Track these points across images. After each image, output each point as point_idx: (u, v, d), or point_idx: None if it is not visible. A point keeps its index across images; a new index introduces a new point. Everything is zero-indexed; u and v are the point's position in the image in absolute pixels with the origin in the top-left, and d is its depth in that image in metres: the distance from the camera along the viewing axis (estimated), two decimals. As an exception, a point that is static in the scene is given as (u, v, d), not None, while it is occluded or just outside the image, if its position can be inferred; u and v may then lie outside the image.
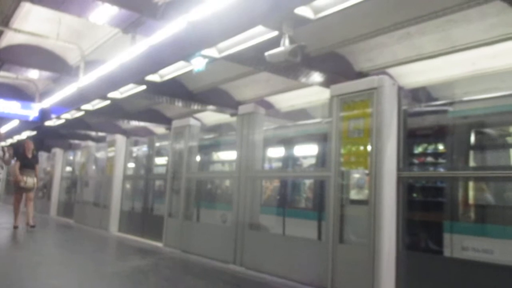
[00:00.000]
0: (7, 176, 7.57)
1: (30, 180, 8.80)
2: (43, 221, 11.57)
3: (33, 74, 16.34)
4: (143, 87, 9.94)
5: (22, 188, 8.83)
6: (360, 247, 4.23)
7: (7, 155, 8.49)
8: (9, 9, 10.63)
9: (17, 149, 9.52)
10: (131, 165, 10.49)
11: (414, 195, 5.99)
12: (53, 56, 14.28)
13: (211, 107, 12.24)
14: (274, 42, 6.27)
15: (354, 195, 4.55)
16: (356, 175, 4.57)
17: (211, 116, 13.97)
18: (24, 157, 8.88)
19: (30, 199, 8.98)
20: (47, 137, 18.47)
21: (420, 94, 9.34)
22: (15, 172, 8.71)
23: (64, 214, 12.68)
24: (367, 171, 4.31)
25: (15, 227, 8.70)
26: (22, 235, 8.21)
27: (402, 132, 4.32)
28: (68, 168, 13.83)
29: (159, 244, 7.49)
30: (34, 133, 17.44)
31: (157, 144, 9.89)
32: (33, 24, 11.53)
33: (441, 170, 5.84)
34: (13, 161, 8.95)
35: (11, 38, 12.80)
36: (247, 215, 5.83)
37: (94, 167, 11.66)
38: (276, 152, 8.79)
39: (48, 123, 15.69)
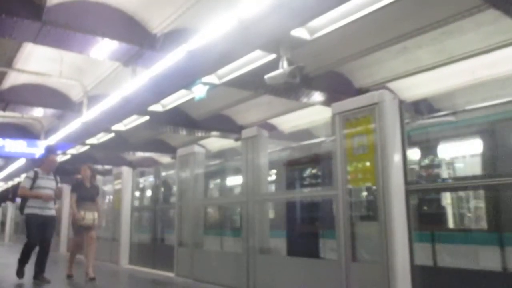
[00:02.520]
0: (24, 209, 6.53)
1: (89, 216, 6.99)
2: (53, 259, 11.49)
3: (38, 112, 16.52)
4: (146, 117, 10.03)
5: (80, 226, 7.04)
6: (374, 265, 4.16)
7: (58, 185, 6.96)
8: (11, 50, 10.85)
9: (72, 178, 8.57)
10: (139, 196, 10.49)
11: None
12: (57, 94, 14.46)
13: (214, 133, 12.29)
14: (273, 65, 6.34)
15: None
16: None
17: (215, 142, 14.02)
18: (81, 187, 7.21)
19: (91, 240, 7.09)
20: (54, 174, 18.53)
21: (421, 106, 9.35)
22: (72, 208, 7.05)
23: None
24: (374, 187, 4.28)
25: (69, 276, 7.19)
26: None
27: (406, 146, 4.31)
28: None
29: (170, 275, 7.41)
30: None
31: (163, 174, 9.91)
32: (35, 64, 11.73)
33: (449, 181, 5.79)
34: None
35: (15, 78, 13.02)
36: (257, 239, 5.77)
37: (102, 200, 11.65)
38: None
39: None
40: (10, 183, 24.02)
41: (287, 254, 6.96)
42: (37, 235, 6.48)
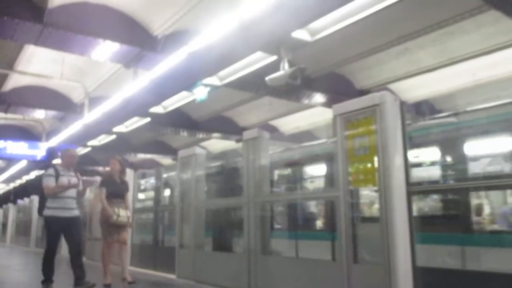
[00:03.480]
0: (43, 210, 5.73)
1: (123, 214, 6.04)
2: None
3: (39, 114, 16.57)
4: (148, 119, 10.05)
5: (112, 225, 5.98)
6: (375, 266, 4.16)
7: (80, 182, 5.91)
8: (13, 52, 10.88)
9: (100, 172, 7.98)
10: (140, 198, 10.50)
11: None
12: (58, 95, 14.50)
13: (216, 134, 12.32)
14: (274, 67, 6.36)
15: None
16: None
17: (216, 143, 14.05)
18: (110, 182, 6.25)
19: (124, 241, 6.20)
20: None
21: (423, 107, 9.35)
22: (103, 203, 6.08)
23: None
24: (376, 188, 4.27)
25: (106, 286, 5.97)
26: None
27: (407, 147, 4.31)
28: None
29: (172, 276, 7.40)
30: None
31: (165, 175, 9.91)
32: (37, 66, 11.76)
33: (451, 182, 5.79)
34: (88, 191, 6.58)
35: (16, 80, 13.05)
36: (258, 240, 5.77)
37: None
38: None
39: (55, 161, 15.82)
40: (12, 185, 24.09)
41: (212, 250, 7.56)
42: (57, 241, 5.72)
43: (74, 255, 5.71)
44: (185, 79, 7.70)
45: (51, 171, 5.65)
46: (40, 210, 5.76)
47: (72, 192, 5.67)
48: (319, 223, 8.28)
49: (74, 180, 5.69)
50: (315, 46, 6.10)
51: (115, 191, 6.18)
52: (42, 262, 5.68)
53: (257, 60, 6.51)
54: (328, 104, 8.86)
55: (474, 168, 5.67)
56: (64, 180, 5.56)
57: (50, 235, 5.62)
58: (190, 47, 7.13)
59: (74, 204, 5.72)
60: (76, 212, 5.72)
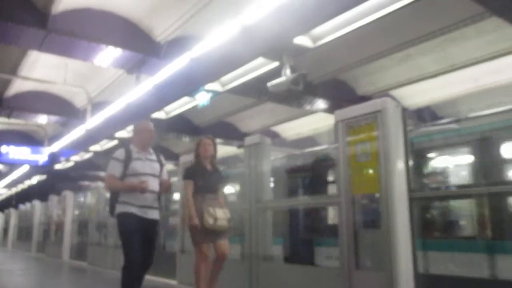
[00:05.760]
0: (115, 208, 3.98)
1: (221, 214, 4.27)
2: (56, 265, 11.50)
3: (42, 119, 16.65)
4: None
5: (207, 231, 4.20)
6: (377, 272, 4.14)
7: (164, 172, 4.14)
8: (17, 58, 10.95)
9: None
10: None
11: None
12: (61, 101, 14.57)
13: (217, 140, 12.31)
14: (276, 72, 6.37)
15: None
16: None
17: (219, 149, 14.04)
18: (199, 172, 4.43)
19: (223, 254, 4.34)
20: (57, 181, 18.62)
21: (425, 114, 9.35)
22: (188, 203, 4.31)
23: (77, 257, 12.60)
24: (378, 194, 4.27)
25: None
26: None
27: (409, 153, 4.30)
28: (79, 211, 13.84)
29: (173, 282, 7.38)
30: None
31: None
32: (40, 71, 11.83)
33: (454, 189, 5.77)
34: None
35: (19, 85, 13.12)
36: (260, 246, 5.75)
37: (105, 207, 11.66)
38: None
39: (57, 166, 15.87)
40: (14, 190, 24.13)
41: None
42: (139, 247, 3.83)
43: (140, 271, 4.00)
44: (187, 84, 7.73)
45: (120, 153, 3.93)
46: (112, 208, 4.03)
47: (154, 184, 3.94)
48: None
49: (154, 166, 4.02)
50: (317, 52, 6.12)
51: (208, 184, 4.37)
52: (121, 285, 3.90)
53: (259, 66, 6.54)
54: (330, 110, 8.88)
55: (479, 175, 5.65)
56: (138, 165, 3.90)
57: (128, 244, 3.84)
58: (193, 53, 7.16)
59: (156, 202, 4.01)
60: (157, 214, 4.00)
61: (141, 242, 3.84)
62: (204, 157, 4.51)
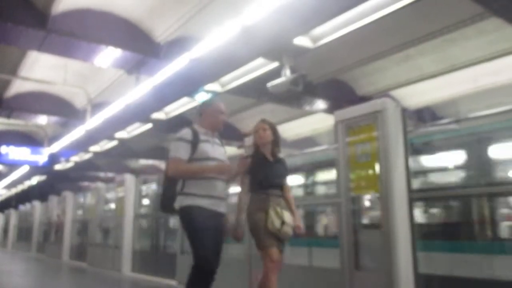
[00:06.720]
0: (172, 201, 3.19)
1: (288, 219, 3.36)
2: (55, 266, 11.49)
3: (42, 120, 16.65)
4: (149, 125, 10.07)
5: (271, 235, 3.29)
6: (377, 273, 4.14)
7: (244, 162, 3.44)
8: (16, 58, 10.95)
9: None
10: (142, 203, 10.48)
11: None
12: (61, 101, 14.56)
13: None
14: (275, 73, 6.37)
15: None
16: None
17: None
18: (258, 162, 3.51)
19: (279, 262, 3.39)
20: (57, 181, 18.61)
21: (424, 114, 9.35)
22: (240, 200, 3.48)
23: (77, 258, 12.59)
24: (378, 195, 4.27)
25: None
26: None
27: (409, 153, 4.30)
28: (79, 211, 13.84)
29: (172, 282, 7.38)
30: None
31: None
32: (40, 71, 11.82)
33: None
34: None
35: (19, 86, 13.11)
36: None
37: (104, 208, 11.66)
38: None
39: (57, 166, 15.85)
40: (14, 190, 24.10)
41: None
42: (212, 246, 3.13)
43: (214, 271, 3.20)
44: (187, 85, 7.72)
45: (186, 133, 3.25)
46: (167, 201, 3.27)
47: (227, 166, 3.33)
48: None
49: (222, 151, 3.42)
50: (317, 53, 6.11)
51: (270, 176, 3.48)
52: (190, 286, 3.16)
53: (259, 67, 6.53)
54: (329, 110, 8.87)
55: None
56: (208, 148, 3.25)
57: (200, 241, 3.10)
58: (192, 54, 7.16)
59: (224, 193, 3.34)
60: (224, 208, 3.30)
61: (213, 238, 3.14)
62: (262, 145, 3.61)
